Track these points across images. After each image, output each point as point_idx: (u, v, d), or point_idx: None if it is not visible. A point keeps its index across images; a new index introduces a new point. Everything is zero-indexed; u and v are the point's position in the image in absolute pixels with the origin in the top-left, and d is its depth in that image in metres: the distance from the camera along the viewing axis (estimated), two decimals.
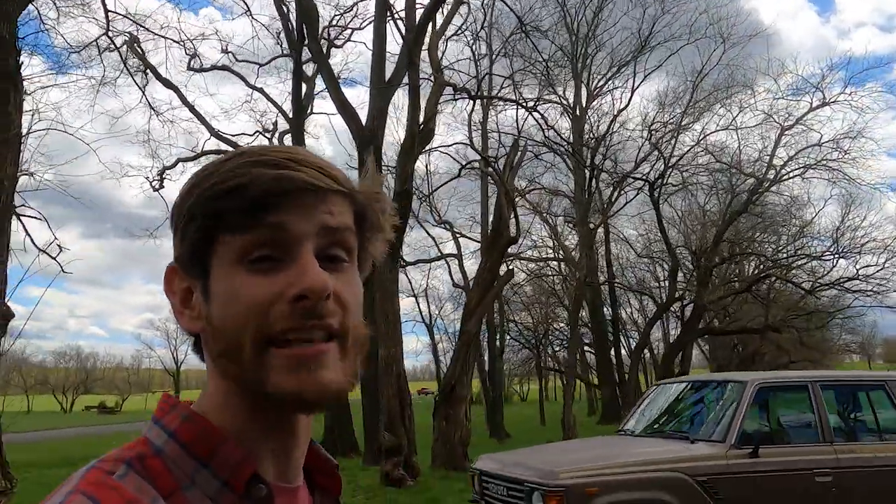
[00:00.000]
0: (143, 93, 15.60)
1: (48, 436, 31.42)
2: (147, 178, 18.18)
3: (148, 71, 15.52)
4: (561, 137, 14.92)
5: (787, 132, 20.28)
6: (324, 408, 0.58)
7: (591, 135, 20.78)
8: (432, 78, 12.18)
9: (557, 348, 32.15)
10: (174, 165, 17.53)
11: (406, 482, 9.89)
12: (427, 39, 11.85)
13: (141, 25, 14.40)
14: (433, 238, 23.83)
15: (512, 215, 12.33)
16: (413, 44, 10.69)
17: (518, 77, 15.80)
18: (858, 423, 5.61)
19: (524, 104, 13.36)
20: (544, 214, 24.70)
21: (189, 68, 16.00)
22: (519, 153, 13.25)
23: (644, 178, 19.47)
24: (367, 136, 13.06)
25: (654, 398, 6.06)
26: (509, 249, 13.11)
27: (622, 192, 23.49)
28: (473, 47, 14.98)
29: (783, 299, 25.73)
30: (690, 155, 20.33)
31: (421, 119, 11.24)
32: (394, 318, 10.69)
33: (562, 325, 31.14)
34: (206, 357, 0.61)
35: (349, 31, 16.28)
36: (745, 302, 25.68)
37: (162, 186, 18.15)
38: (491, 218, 14.08)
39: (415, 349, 32.29)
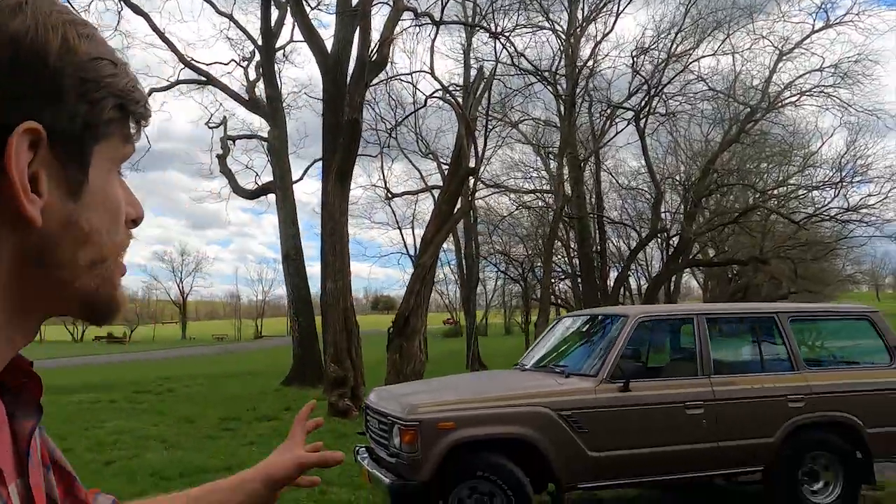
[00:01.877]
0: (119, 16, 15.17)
1: (59, 364, 32.34)
2: None
3: None
4: (531, 64, 14.32)
5: (786, 57, 19.41)
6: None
7: (576, 63, 19.97)
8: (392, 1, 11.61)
9: (552, 280, 32.20)
10: (148, 95, 17.15)
11: (352, 413, 10.05)
12: None
13: None
14: (419, 170, 23.50)
15: (472, 146, 12.02)
16: None
17: (507, 3, 15.08)
18: (742, 355, 5.51)
19: (491, 31, 12.77)
20: (538, 147, 24.27)
21: None
22: (484, 82, 12.79)
23: (629, 106, 18.85)
24: (332, 65, 12.67)
25: (554, 331, 5.98)
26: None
27: (612, 123, 22.87)
28: None
29: (779, 231, 25.31)
30: (682, 83, 19.58)
31: (374, 45, 10.80)
32: (341, 249, 10.59)
33: (555, 257, 31.11)
34: (13, 253, 0.48)
35: None
36: (738, 234, 25.33)
37: None
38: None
39: (403, 280, 32.35)
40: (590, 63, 19.03)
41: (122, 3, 14.93)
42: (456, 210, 12.26)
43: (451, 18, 15.17)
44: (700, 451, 4.75)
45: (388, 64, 11.64)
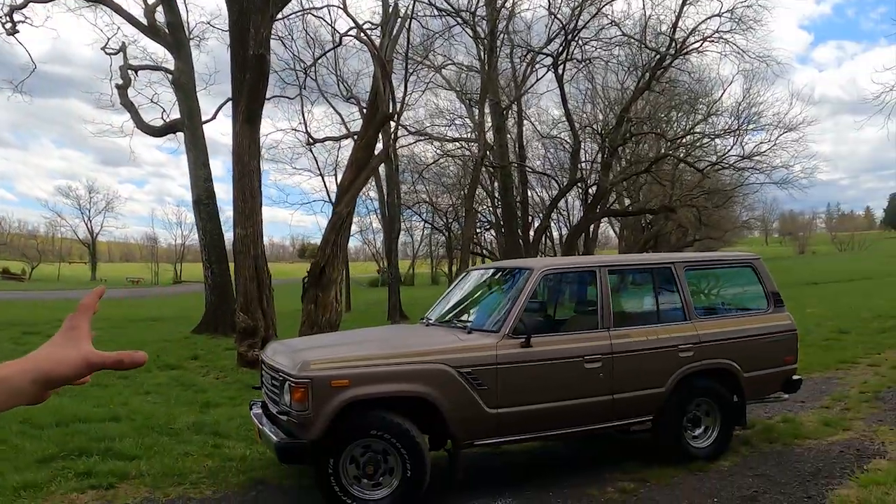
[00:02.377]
0: None
1: None
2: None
3: None
4: (448, 4, 13.83)
5: (689, 2, 19.56)
6: None
7: (495, 3, 19.52)
8: None
9: (478, 230, 32.41)
10: (24, 5, 15.53)
11: None
12: None
13: None
14: (340, 115, 22.72)
15: (388, 89, 11.60)
16: None
17: None
18: (641, 307, 5.65)
19: None
20: (462, 93, 23.85)
21: None
22: (399, 20, 12.27)
23: (547, 52, 18.67)
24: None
25: (461, 285, 5.92)
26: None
27: (532, 69, 22.71)
28: None
29: (687, 180, 26.25)
30: (597, 27, 19.51)
31: None
32: (251, 195, 10.12)
33: (481, 207, 31.20)
34: None
35: None
36: (651, 183, 26.10)
37: (16, 30, 16.17)
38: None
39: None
40: (508, 4, 18.64)
41: None
42: (373, 157, 11.92)
43: None
44: (597, 404, 4.86)
45: None
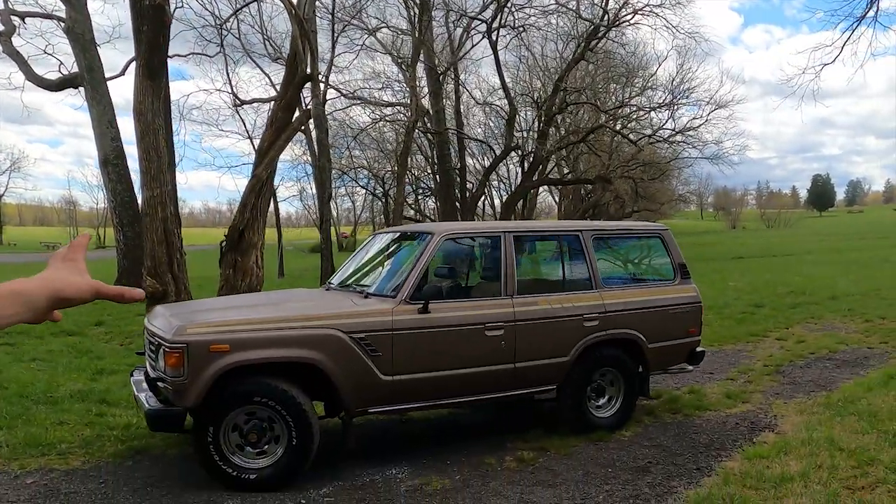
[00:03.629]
0: None
1: None
2: None
3: None
4: None
5: None
6: None
7: None
8: None
9: (411, 196, 32.07)
10: None
11: None
12: None
13: None
14: (268, 76, 21.82)
15: (307, 48, 11.07)
16: None
17: None
18: (547, 275, 5.53)
19: None
20: (397, 57, 23.24)
21: None
22: None
23: (481, 18, 18.36)
24: None
25: (367, 249, 5.66)
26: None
27: (468, 35, 22.34)
28: None
29: (624, 152, 26.62)
30: None
31: None
32: (157, 154, 9.49)
33: (423, 174, 30.84)
34: None
35: None
36: (589, 154, 26.31)
37: None
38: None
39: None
40: None
41: None
42: (294, 119, 11.41)
43: None
44: (498, 373, 4.72)
45: None
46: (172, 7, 16.07)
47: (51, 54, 16.87)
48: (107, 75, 14.60)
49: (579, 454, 4.70)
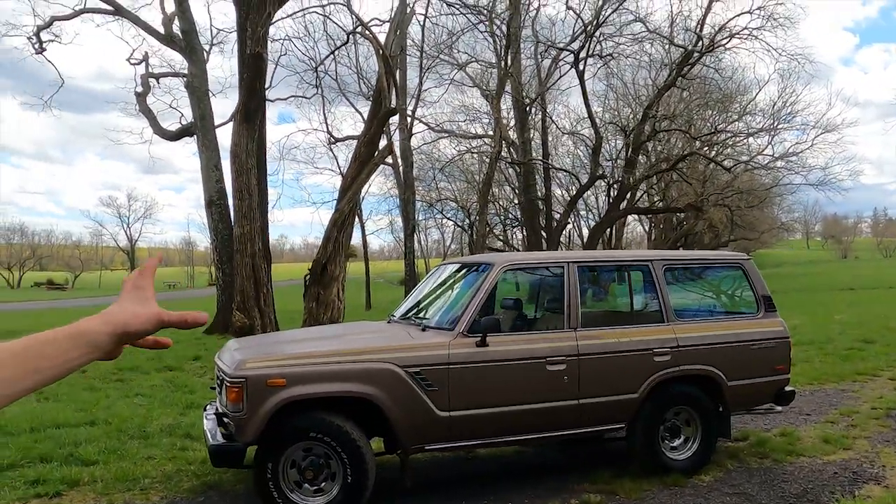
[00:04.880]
0: None
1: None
2: (30, 39, 16.62)
3: None
4: (463, 3, 13.49)
5: None
6: None
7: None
8: None
9: (498, 227, 32.06)
10: (49, 25, 15.92)
11: None
12: None
13: None
14: (360, 114, 22.64)
15: (392, 84, 11.39)
16: None
17: None
18: (614, 306, 5.27)
19: None
20: (485, 90, 23.56)
21: None
22: (405, 16, 12.06)
23: (569, 49, 18.23)
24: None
25: (429, 280, 5.63)
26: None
27: (556, 65, 22.31)
28: None
29: (719, 179, 25.43)
30: (620, 24, 19.00)
31: None
32: (248, 193, 10.02)
33: (505, 203, 30.85)
34: None
35: None
36: (680, 181, 25.33)
37: (44, 49, 16.64)
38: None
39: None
40: (532, 2, 18.30)
41: None
42: (377, 153, 11.73)
43: None
44: (561, 409, 4.52)
45: None
46: (277, 55, 17.24)
47: (175, 108, 18.64)
48: (216, 123, 15.81)
49: (651, 499, 4.39)
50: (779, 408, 5.21)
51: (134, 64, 17.99)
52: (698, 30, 18.50)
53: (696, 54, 18.59)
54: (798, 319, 12.97)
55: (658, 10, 23.30)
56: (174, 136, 16.88)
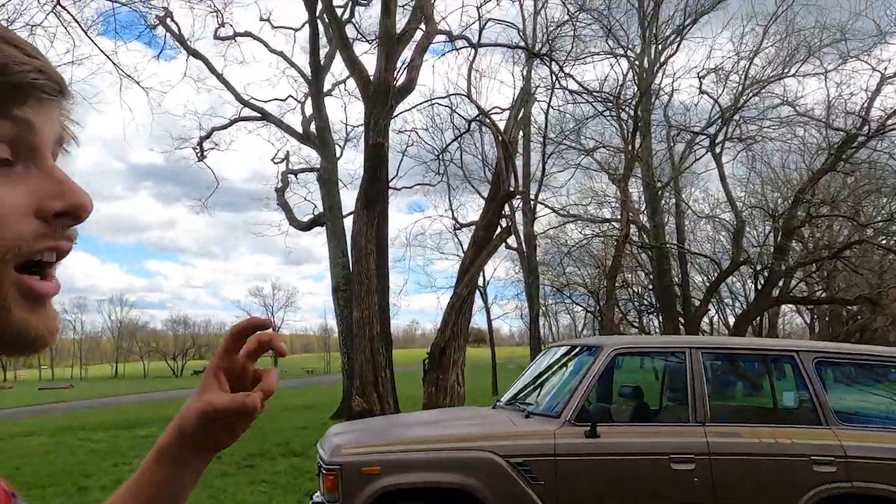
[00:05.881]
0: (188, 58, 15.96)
1: (161, 397, 33.57)
2: (194, 149, 18.77)
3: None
4: (579, 84, 13.55)
5: (889, 81, 17.53)
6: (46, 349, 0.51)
7: (648, 86, 18.96)
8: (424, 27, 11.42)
9: (632, 313, 30.71)
10: (209, 135, 17.91)
11: None
12: None
13: None
14: (484, 198, 23.03)
15: (511, 169, 11.46)
16: None
17: (576, 27, 14.51)
18: (750, 400, 4.54)
19: (533, 51, 12.22)
20: (614, 175, 23.28)
21: (216, 37, 16.14)
22: (526, 103, 12.25)
23: (707, 133, 17.56)
24: (375, 94, 12.62)
25: (539, 363, 5.25)
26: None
27: (691, 150, 21.65)
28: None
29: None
30: (763, 107, 18.13)
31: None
32: (367, 277, 10.25)
33: (639, 288, 29.59)
34: None
35: None
36: (844, 270, 22.95)
37: (204, 156, 18.67)
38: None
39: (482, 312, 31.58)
40: (660, 85, 18.03)
41: (186, 52, 15.69)
42: (495, 237, 11.68)
43: (513, 43, 14.76)
44: None
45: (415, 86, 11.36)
46: (405, 146, 18.22)
47: (309, 200, 20.12)
48: (344, 212, 16.75)
49: None
50: None
51: (277, 163, 19.67)
52: (864, 113, 17.14)
53: (861, 138, 17.15)
54: None
55: (810, 92, 21.81)
56: (306, 227, 17.98)
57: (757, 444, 3.99)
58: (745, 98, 17.28)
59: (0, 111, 0.46)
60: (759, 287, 21.31)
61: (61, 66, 11.72)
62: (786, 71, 17.93)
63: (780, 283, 21.73)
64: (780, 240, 19.38)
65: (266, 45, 16.96)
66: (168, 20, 15.56)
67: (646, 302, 30.41)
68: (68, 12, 10.65)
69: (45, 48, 12.30)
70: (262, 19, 17.66)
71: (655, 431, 4.05)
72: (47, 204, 0.47)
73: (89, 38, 11.35)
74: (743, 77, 18.37)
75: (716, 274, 25.85)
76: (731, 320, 29.88)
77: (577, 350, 4.75)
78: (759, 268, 21.69)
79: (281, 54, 16.95)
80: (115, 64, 11.46)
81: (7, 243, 0.45)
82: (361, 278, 10.19)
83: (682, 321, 22.81)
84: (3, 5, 10.36)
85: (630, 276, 28.17)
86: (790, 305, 28.58)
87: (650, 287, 27.14)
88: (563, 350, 5.14)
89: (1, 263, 0.45)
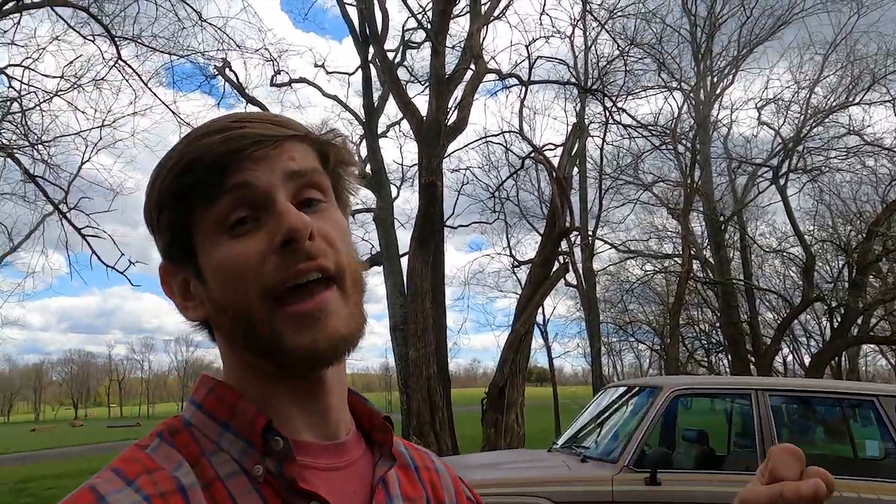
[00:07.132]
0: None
1: None
2: None
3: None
4: (633, 118, 13.35)
5: None
6: (340, 357, 0.60)
7: (706, 118, 18.58)
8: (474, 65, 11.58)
9: (700, 351, 29.63)
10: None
11: None
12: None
13: (237, 48, 15.39)
14: (542, 235, 22.87)
15: (566, 206, 11.34)
16: (438, 31, 10.23)
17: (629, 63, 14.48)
18: (826, 448, 4.21)
19: (583, 87, 12.18)
20: (672, 208, 22.80)
21: (272, 84, 16.79)
22: (579, 139, 12.18)
23: (769, 165, 17.00)
24: (427, 134, 12.81)
25: (595, 405, 5.04)
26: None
27: (754, 182, 21.01)
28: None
29: None
30: (828, 137, 17.45)
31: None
32: (422, 316, 10.23)
33: (707, 326, 28.57)
34: (218, 340, 0.62)
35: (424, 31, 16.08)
36: None
37: None
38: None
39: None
40: (717, 117, 17.65)
41: (245, 100, 16.40)
42: (552, 274, 11.51)
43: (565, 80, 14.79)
44: None
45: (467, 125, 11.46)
46: (460, 184, 18.34)
47: (366, 241, 20.38)
48: (401, 252, 16.88)
49: None
50: None
51: None
52: None
53: None
54: None
55: (878, 120, 20.80)
56: (365, 267, 18.18)
57: (837, 500, 3.67)
58: (807, 128, 16.69)
59: (217, 189, 0.55)
60: (835, 325, 20.20)
61: (124, 116, 12.41)
62: (850, 99, 17.28)
63: (859, 322, 20.55)
64: (854, 275, 18.41)
65: (321, 89, 17.48)
66: (227, 70, 16.29)
67: (713, 340, 29.28)
68: (130, 66, 11.31)
69: (109, 101, 13.10)
70: (316, 65, 18.24)
71: (721, 480, 3.80)
72: (276, 240, 0.55)
73: (149, 89, 11.98)
74: (804, 107, 17.83)
75: (787, 311, 24.71)
76: (807, 360, 28.40)
77: (635, 391, 4.56)
78: (833, 305, 20.60)
79: (335, 98, 17.42)
80: (174, 112, 12.03)
81: (257, 284, 0.55)
82: (417, 317, 10.19)
83: (753, 360, 21.75)
84: (71, 62, 11.09)
85: (696, 312, 27.26)
86: (871, 345, 26.98)
87: (717, 325, 26.19)
88: (621, 390, 4.93)
89: (262, 301, 0.55)
